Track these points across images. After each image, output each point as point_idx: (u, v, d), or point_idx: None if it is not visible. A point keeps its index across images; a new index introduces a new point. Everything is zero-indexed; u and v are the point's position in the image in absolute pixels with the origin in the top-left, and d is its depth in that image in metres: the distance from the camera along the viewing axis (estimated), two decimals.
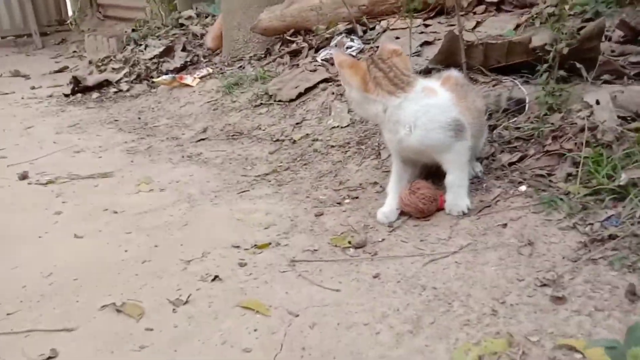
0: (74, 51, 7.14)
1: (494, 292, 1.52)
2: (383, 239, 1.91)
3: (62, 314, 1.67)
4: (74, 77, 4.74)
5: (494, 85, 2.51)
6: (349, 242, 1.91)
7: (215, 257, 1.91)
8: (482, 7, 3.45)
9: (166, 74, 4.47)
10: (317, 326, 1.50)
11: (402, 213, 2.01)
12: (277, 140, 3.01)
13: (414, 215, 1.98)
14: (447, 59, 2.67)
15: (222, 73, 4.08)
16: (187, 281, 1.77)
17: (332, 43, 3.69)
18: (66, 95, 4.66)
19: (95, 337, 1.54)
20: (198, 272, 1.82)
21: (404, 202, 1.98)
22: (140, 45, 5.22)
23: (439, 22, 3.48)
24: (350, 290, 1.65)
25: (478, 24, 3.24)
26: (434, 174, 2.09)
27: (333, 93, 3.15)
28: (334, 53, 2.05)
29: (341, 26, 3.79)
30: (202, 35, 5.06)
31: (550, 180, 1.94)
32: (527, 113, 2.27)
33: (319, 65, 3.51)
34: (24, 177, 2.83)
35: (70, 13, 8.57)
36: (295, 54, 3.91)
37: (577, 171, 1.88)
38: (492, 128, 2.29)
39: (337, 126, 2.91)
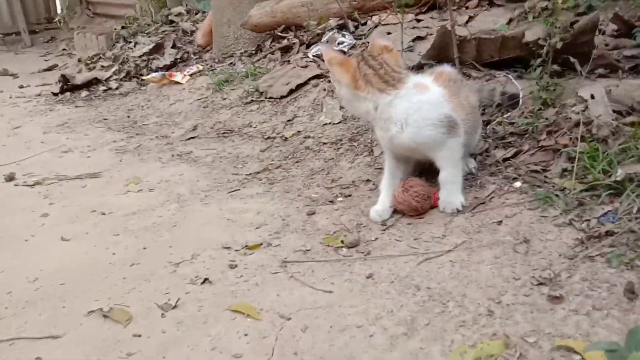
0: (64, 49, 7.05)
1: (489, 292, 1.49)
2: (376, 238, 1.87)
3: (48, 320, 1.62)
4: (63, 76, 4.67)
5: (487, 81, 2.48)
6: (342, 242, 1.87)
7: (205, 259, 1.87)
8: (474, 2, 3.41)
9: (156, 71, 4.41)
10: (309, 329, 1.46)
11: (395, 211, 1.98)
12: (268, 137, 2.96)
13: (408, 214, 1.95)
14: (439, 54, 2.63)
15: (212, 70, 4.03)
16: (176, 284, 1.73)
17: (324, 39, 3.65)
18: (55, 94, 4.58)
19: (82, 344, 1.50)
20: (187, 275, 1.77)
21: (397, 200, 1.95)
22: (130, 42, 5.15)
23: (431, 17, 3.45)
24: (343, 291, 1.61)
25: (471, 18, 3.20)
26: (427, 170, 2.05)
27: (324, 89, 3.11)
28: (324, 50, 2.01)
29: (332, 22, 3.75)
30: (192, 32, 4.99)
31: (545, 176, 1.91)
32: (521, 108, 2.24)
33: (310, 62, 3.47)
34: (10, 178, 2.77)
35: (59, 11, 8.47)
36: (286, 50, 3.86)
37: (573, 167, 1.85)
38: (485, 123, 2.26)
39: (329, 123, 2.87)
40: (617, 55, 2.34)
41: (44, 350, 1.48)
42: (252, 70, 3.68)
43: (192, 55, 4.59)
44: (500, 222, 1.77)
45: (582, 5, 2.73)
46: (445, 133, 1.81)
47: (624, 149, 1.80)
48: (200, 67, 4.15)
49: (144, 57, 4.70)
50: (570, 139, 1.97)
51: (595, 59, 2.23)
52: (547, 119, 2.10)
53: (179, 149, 3.02)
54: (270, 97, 3.33)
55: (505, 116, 2.24)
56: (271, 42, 4.08)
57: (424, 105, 1.81)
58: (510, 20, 3.02)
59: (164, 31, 5.19)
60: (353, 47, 3.45)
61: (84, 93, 4.51)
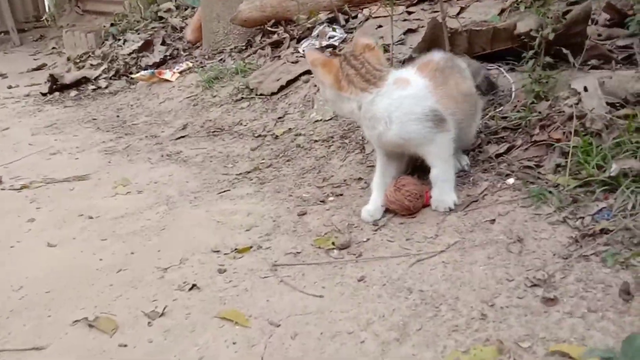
0: (53, 47, 6.97)
1: (482, 294, 1.45)
2: (368, 239, 1.84)
3: (32, 330, 1.58)
4: (52, 76, 4.62)
5: None
6: (333, 243, 1.83)
7: (194, 264, 1.83)
8: None
9: (145, 69, 4.36)
10: (299, 336, 1.43)
11: (387, 210, 1.94)
12: (259, 135, 2.92)
13: (400, 213, 1.91)
14: (430, 47, 2.56)
15: (202, 67, 3.98)
16: (163, 291, 1.69)
17: (314, 33, 3.60)
18: (43, 94, 4.54)
19: (66, 355, 1.47)
20: (175, 281, 1.74)
21: (389, 199, 1.91)
22: (119, 40, 5.10)
23: (422, 9, 3.40)
24: (334, 295, 1.57)
25: (462, 9, 3.16)
26: (420, 168, 2.01)
27: (315, 85, 3.06)
28: (307, 51, 1.98)
29: (322, 15, 3.70)
30: (182, 28, 4.94)
31: (538, 172, 1.87)
32: (514, 101, 2.20)
33: (301, 57, 3.42)
34: None
35: (48, 9, 8.36)
36: (276, 45, 3.81)
37: (566, 162, 1.81)
38: None
39: (320, 120, 2.83)
40: (610, 45, 2.30)
41: None
42: (242, 66, 3.63)
43: (181, 52, 4.54)
44: (493, 221, 1.73)
45: None
46: (432, 127, 1.77)
47: (618, 143, 1.76)
48: (190, 64, 4.09)
49: (133, 55, 4.65)
50: (564, 133, 1.92)
51: (588, 49, 2.19)
52: (540, 112, 2.06)
53: (169, 148, 2.98)
54: (261, 94, 3.28)
55: (497, 110, 2.20)
56: (261, 37, 4.03)
57: (405, 100, 1.77)
58: (502, 11, 2.97)
59: (153, 28, 5.14)
60: (344, 40, 3.40)
61: (73, 93, 4.46)
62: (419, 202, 1.89)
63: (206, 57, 4.20)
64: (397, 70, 1.87)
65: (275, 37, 3.86)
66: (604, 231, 1.54)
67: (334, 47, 3.33)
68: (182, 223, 2.13)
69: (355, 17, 3.61)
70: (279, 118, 3.01)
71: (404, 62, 2.68)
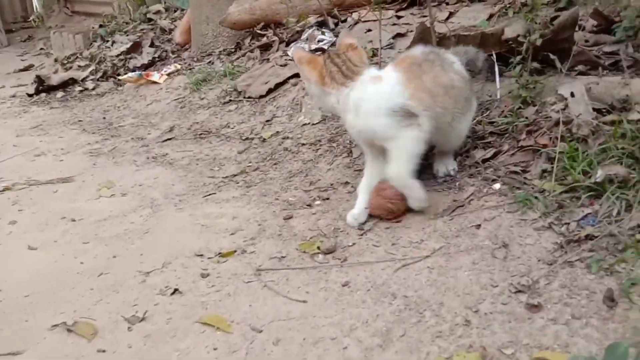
0: (41, 48, 6.89)
1: (467, 300, 1.44)
2: (353, 243, 1.82)
3: (9, 335, 1.55)
4: (38, 77, 4.56)
5: None
6: (318, 248, 1.82)
7: (177, 268, 1.80)
8: None
9: (133, 70, 4.32)
10: (281, 342, 1.41)
11: (373, 215, 1.93)
12: (247, 138, 2.90)
13: (385, 217, 1.90)
14: None
15: (190, 69, 3.95)
16: (145, 295, 1.67)
17: (304, 36, 3.58)
18: (30, 95, 4.48)
19: None
20: (157, 285, 1.71)
21: (372, 206, 1.90)
22: (108, 41, 5.05)
23: (412, 14, 3.39)
24: (317, 300, 1.56)
25: (451, 14, 3.15)
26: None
27: (304, 89, 3.04)
28: (293, 50, 1.99)
29: (312, 19, 3.69)
30: (171, 30, 4.90)
31: (525, 178, 1.87)
32: (501, 106, 2.19)
33: (290, 60, 3.40)
34: None
35: (38, 9, 8.28)
36: (265, 48, 3.79)
37: (552, 167, 1.81)
38: None
39: (308, 123, 2.81)
40: (597, 51, 2.30)
41: None
42: (230, 69, 3.60)
43: (170, 54, 4.50)
44: (479, 226, 1.73)
45: (562, 1, 2.69)
46: (398, 122, 1.79)
47: (603, 149, 1.76)
48: (178, 66, 4.06)
49: (122, 57, 4.61)
50: (550, 138, 1.92)
51: (575, 55, 2.19)
52: (527, 117, 2.06)
53: (155, 151, 2.95)
54: (249, 97, 3.26)
55: (484, 115, 2.19)
56: (250, 40, 4.01)
57: (374, 94, 1.83)
58: (491, 16, 2.97)
59: (142, 29, 5.10)
60: (333, 44, 3.38)
61: (59, 94, 4.41)
62: (401, 204, 1.88)
63: (195, 59, 4.17)
64: (375, 68, 1.93)
65: (264, 40, 3.84)
66: (588, 237, 1.53)
67: (323, 50, 3.32)
68: (166, 226, 2.10)
69: (345, 20, 3.60)
70: (267, 121, 2.99)
71: None
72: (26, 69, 5.87)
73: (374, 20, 3.21)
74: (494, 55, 2.26)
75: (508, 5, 2.89)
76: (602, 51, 2.28)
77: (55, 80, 4.53)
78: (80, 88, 4.42)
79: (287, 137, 2.77)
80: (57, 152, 3.12)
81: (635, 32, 2.21)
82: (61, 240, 2.08)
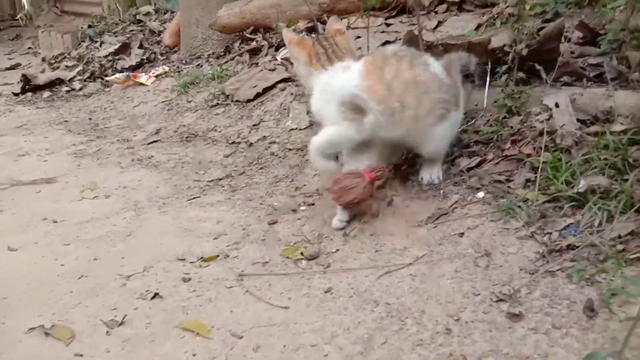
0: (29, 47, 6.82)
1: (448, 308, 1.44)
2: (337, 250, 1.82)
3: None
4: (24, 76, 4.51)
5: None
6: (302, 254, 1.81)
7: (158, 272, 1.79)
8: (444, 6, 3.38)
9: (121, 71, 4.29)
10: (261, 349, 1.40)
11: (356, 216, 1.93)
12: (233, 142, 2.88)
13: (354, 207, 1.90)
14: None
15: (178, 71, 3.93)
16: (125, 299, 1.65)
17: None
18: (15, 95, 4.43)
19: None
20: (137, 289, 1.69)
21: (337, 201, 1.91)
22: (96, 42, 5.01)
23: (401, 22, 3.40)
24: (299, 307, 1.55)
25: (439, 23, 3.17)
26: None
27: (292, 94, 3.04)
28: (285, 32, 2.11)
29: (302, 24, 3.68)
30: (160, 32, 4.87)
31: (508, 187, 1.88)
32: (486, 115, 2.20)
33: (279, 64, 3.40)
34: None
35: (26, 7, 8.21)
36: (255, 52, 3.78)
37: (536, 177, 1.82)
38: None
39: (296, 128, 2.81)
40: (582, 63, 2.32)
41: None
42: (219, 72, 3.59)
43: (159, 56, 4.48)
44: (462, 234, 1.73)
45: (550, 11, 2.71)
46: (344, 114, 1.85)
47: (586, 160, 1.77)
48: (167, 69, 4.04)
49: (110, 57, 4.57)
50: (535, 148, 1.93)
51: (560, 66, 2.21)
52: (512, 127, 2.07)
53: (140, 153, 2.92)
54: (237, 101, 3.25)
55: (470, 124, 2.20)
56: (240, 44, 4.00)
57: (334, 82, 1.91)
58: (479, 26, 2.99)
59: (131, 31, 5.07)
60: None
61: (46, 94, 4.36)
62: (363, 189, 1.86)
63: (183, 61, 4.15)
64: (355, 59, 1.97)
65: (253, 44, 3.83)
66: (570, 247, 1.54)
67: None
68: (149, 229, 2.08)
69: None
70: (254, 125, 2.98)
71: None
72: (13, 67, 5.81)
73: (363, 27, 3.21)
74: (489, 65, 2.26)
75: (496, 16, 2.92)
76: (587, 63, 2.30)
77: (42, 79, 4.49)
78: (67, 88, 4.38)
79: (274, 142, 2.76)
80: (41, 152, 3.09)
81: (619, 45, 2.23)
82: (42, 241, 2.06)
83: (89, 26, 5.49)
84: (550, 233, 1.62)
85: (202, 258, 1.84)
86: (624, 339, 1.05)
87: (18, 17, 7.71)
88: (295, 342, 1.40)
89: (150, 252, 1.90)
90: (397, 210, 1.95)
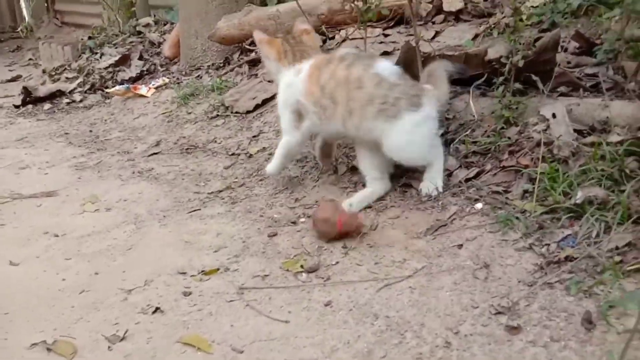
0: (30, 59, 6.86)
1: (447, 321, 1.45)
2: (337, 262, 1.83)
3: None
4: (25, 88, 4.54)
5: (451, 98, 2.45)
6: (302, 266, 1.82)
7: (159, 285, 1.80)
8: (441, 17, 3.40)
9: (121, 83, 4.31)
10: None
11: (346, 234, 1.93)
12: (233, 154, 2.90)
13: (336, 237, 1.92)
14: (404, 70, 2.60)
15: (178, 83, 3.95)
16: (126, 314, 1.66)
17: None
18: (16, 107, 4.45)
19: None
20: (139, 303, 1.70)
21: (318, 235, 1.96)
22: (96, 53, 5.04)
23: (399, 32, 3.43)
24: (299, 321, 1.56)
25: (437, 34, 3.19)
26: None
27: None
28: (255, 33, 2.25)
29: None
30: (160, 43, 4.90)
31: (506, 198, 1.89)
32: (484, 126, 2.22)
33: None
34: None
35: (27, 19, 8.25)
36: (254, 63, 3.80)
37: (534, 188, 1.83)
38: (448, 142, 2.22)
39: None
40: (578, 73, 2.34)
41: None
42: (218, 83, 3.61)
43: (159, 67, 4.50)
44: (461, 246, 1.74)
45: (546, 21, 2.73)
46: (295, 121, 2.09)
47: (584, 170, 1.79)
48: (167, 80, 4.07)
49: (110, 69, 4.60)
50: (532, 159, 1.95)
51: (557, 76, 2.23)
52: (509, 138, 2.08)
53: (141, 165, 2.94)
54: (236, 112, 3.27)
55: (466, 134, 2.21)
56: (239, 55, 4.02)
57: (283, 86, 2.15)
58: (476, 36, 3.01)
59: (131, 42, 5.09)
60: None
61: (46, 106, 4.39)
62: (328, 226, 1.90)
63: (183, 73, 4.18)
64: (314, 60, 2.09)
65: (253, 55, 3.85)
66: (568, 258, 1.55)
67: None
68: (149, 243, 2.10)
69: (333, 38, 3.63)
70: (254, 137, 2.99)
71: None
72: (14, 79, 5.84)
73: (361, 38, 3.24)
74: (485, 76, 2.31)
75: (493, 26, 2.94)
76: (584, 73, 2.32)
77: (42, 91, 4.51)
78: (67, 100, 4.40)
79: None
80: (42, 165, 3.10)
81: (615, 55, 2.25)
82: (43, 255, 2.07)
83: (89, 37, 5.51)
84: (548, 244, 1.63)
85: (202, 271, 1.85)
86: (621, 352, 1.07)
87: (19, 28, 7.75)
88: (296, 356, 1.41)
89: (151, 266, 1.91)
90: (395, 222, 1.96)
